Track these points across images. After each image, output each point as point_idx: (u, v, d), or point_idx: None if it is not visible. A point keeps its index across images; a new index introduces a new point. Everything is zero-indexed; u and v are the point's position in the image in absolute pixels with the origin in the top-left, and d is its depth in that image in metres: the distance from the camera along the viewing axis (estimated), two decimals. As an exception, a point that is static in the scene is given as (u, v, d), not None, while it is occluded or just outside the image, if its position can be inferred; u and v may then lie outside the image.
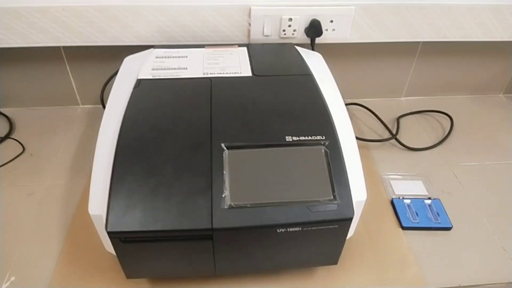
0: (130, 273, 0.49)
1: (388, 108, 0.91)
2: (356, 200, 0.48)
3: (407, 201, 0.67)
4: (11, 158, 0.75)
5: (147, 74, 0.61)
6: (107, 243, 0.49)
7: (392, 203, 0.67)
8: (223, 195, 0.45)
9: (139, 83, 0.58)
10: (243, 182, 0.46)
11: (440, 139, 0.82)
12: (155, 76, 0.60)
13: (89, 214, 0.46)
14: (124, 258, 0.47)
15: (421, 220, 0.64)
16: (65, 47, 0.80)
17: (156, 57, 0.66)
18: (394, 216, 0.66)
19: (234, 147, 0.48)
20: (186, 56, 0.67)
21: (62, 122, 0.85)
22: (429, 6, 0.77)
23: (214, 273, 0.50)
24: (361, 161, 0.75)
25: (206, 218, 0.43)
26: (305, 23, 0.76)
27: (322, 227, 0.46)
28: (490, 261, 0.59)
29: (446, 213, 0.65)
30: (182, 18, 0.74)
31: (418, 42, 0.85)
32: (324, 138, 0.50)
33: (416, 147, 0.80)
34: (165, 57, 0.66)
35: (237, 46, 0.72)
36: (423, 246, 0.61)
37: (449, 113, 0.89)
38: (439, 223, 0.64)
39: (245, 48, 0.70)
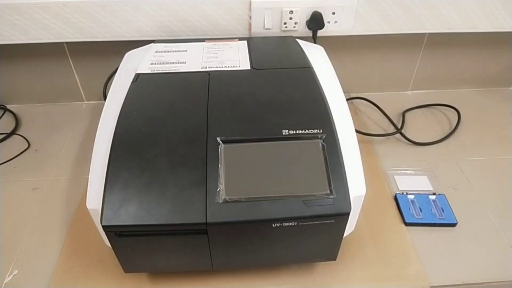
0: (128, 267, 0.49)
1: (394, 102, 0.90)
2: (354, 194, 0.47)
3: (411, 197, 0.66)
4: (16, 154, 0.76)
5: (145, 68, 0.61)
6: (106, 237, 0.49)
7: (395, 198, 0.66)
8: (217, 189, 0.44)
9: (137, 77, 0.58)
10: (239, 176, 0.45)
11: (447, 133, 0.80)
12: (154, 70, 0.60)
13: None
14: (121, 252, 0.47)
15: (425, 216, 0.63)
16: (68, 43, 0.80)
17: (156, 52, 0.66)
18: (397, 212, 0.64)
19: (230, 141, 0.48)
20: (186, 50, 0.66)
21: (67, 118, 0.85)
22: (435, -4, 0.75)
23: (211, 268, 0.50)
24: (365, 156, 0.75)
25: (201, 212, 0.43)
26: (306, 16, 0.75)
27: (318, 222, 0.45)
28: (495, 259, 0.57)
29: (451, 209, 0.64)
30: (182, 12, 0.74)
31: (424, 34, 0.83)
32: (321, 131, 0.49)
33: (422, 141, 0.78)
34: (165, 52, 0.66)
35: (237, 39, 0.71)
36: (427, 243, 0.60)
37: (456, 107, 0.87)
38: (444, 219, 0.62)
39: (245, 42, 0.70)
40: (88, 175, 0.70)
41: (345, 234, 0.53)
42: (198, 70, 0.60)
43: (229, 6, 0.73)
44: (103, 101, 0.83)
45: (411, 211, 0.64)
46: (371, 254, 0.58)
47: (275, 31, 0.77)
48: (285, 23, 0.75)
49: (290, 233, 0.46)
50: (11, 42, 0.76)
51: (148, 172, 0.45)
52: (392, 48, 0.85)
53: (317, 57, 0.66)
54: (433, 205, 0.64)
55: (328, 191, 0.45)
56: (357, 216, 0.53)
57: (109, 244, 0.49)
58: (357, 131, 0.77)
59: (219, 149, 0.47)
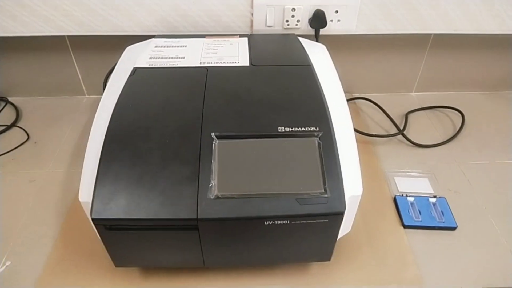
0: (119, 261, 0.49)
1: (398, 103, 0.89)
2: (350, 194, 0.46)
3: (411, 199, 0.64)
4: (15, 146, 0.76)
5: (143, 63, 0.60)
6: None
7: (394, 200, 0.65)
8: (210, 185, 0.44)
9: (135, 71, 0.58)
10: (232, 173, 0.45)
11: (450, 136, 0.79)
12: (152, 64, 0.60)
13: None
14: (111, 246, 0.46)
15: (424, 218, 0.61)
16: (70, 37, 0.80)
17: (155, 46, 0.65)
18: (396, 214, 0.63)
19: (225, 136, 0.47)
20: (185, 46, 0.66)
21: (67, 112, 0.85)
22: (440, -4, 0.74)
23: (203, 265, 0.49)
24: (365, 157, 0.74)
25: (192, 207, 0.42)
26: (309, 13, 0.74)
27: (311, 221, 0.44)
28: (495, 264, 0.56)
29: (451, 213, 0.62)
30: (184, 7, 0.73)
31: (429, 35, 0.82)
32: (318, 129, 0.48)
33: (424, 143, 0.77)
34: (164, 47, 0.65)
35: (238, 36, 0.70)
36: (425, 246, 0.59)
37: (461, 109, 0.85)
38: (443, 222, 0.61)
39: (245, 39, 0.69)
40: (84, 168, 0.71)
41: (341, 235, 0.52)
42: (197, 65, 0.59)
43: (231, 2, 0.73)
44: (103, 96, 0.82)
45: (410, 213, 0.62)
46: (367, 256, 0.57)
47: (277, 29, 0.76)
48: (287, 21, 0.74)
49: (283, 232, 0.45)
50: (12, 35, 0.76)
51: (140, 165, 0.45)
52: (396, 49, 0.84)
53: (318, 55, 0.65)
54: (433, 208, 0.63)
55: (323, 190, 0.44)
56: (354, 216, 0.52)
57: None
58: (358, 131, 0.76)
59: (213, 144, 0.46)
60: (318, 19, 0.73)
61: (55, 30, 0.76)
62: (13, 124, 0.81)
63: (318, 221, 0.44)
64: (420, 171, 0.71)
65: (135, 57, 0.62)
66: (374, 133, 0.78)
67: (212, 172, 0.44)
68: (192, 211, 0.42)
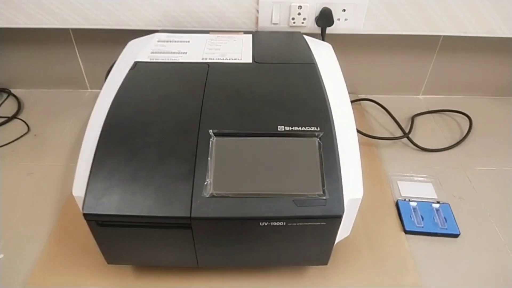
0: (111, 258, 0.48)
1: (404, 106, 0.87)
2: (349, 197, 0.44)
3: (413, 204, 0.63)
4: (15, 138, 0.75)
5: (144, 57, 0.59)
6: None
7: (397, 205, 0.63)
8: (205, 183, 0.43)
9: (135, 65, 0.57)
10: (228, 171, 0.43)
11: (457, 140, 0.77)
12: (153, 59, 0.59)
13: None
14: (102, 242, 0.45)
15: (426, 224, 0.60)
16: (74, 30, 0.80)
17: (158, 41, 0.65)
18: (398, 218, 0.62)
19: (222, 134, 0.46)
20: (188, 41, 0.65)
21: (69, 105, 0.85)
22: (450, -4, 0.72)
23: (196, 265, 0.48)
24: (369, 160, 0.72)
25: (185, 206, 0.41)
26: (315, 12, 0.72)
27: (308, 224, 0.43)
28: (498, 273, 0.54)
29: (455, 219, 0.61)
30: (188, 3, 0.72)
31: (439, 36, 0.80)
32: (319, 129, 0.47)
33: (430, 147, 0.75)
34: (167, 41, 0.64)
35: (242, 33, 0.69)
36: (426, 253, 0.57)
37: (469, 114, 0.83)
38: (446, 229, 0.59)
39: (250, 35, 0.68)
40: (81, 162, 0.70)
41: (340, 238, 0.51)
42: (198, 61, 0.58)
43: (236, -2, 0.72)
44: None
45: (412, 218, 0.61)
46: (366, 260, 0.55)
47: (283, 26, 0.75)
48: (293, 19, 0.73)
49: (279, 234, 0.44)
50: (16, 26, 0.75)
51: (135, 161, 0.44)
52: (404, 50, 0.82)
53: (323, 54, 0.64)
54: (436, 214, 0.61)
55: (321, 192, 0.43)
56: (353, 220, 0.50)
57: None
58: (362, 133, 0.75)
59: (211, 141, 0.45)
60: (324, 18, 0.72)
61: (60, 23, 0.75)
62: (14, 116, 0.81)
63: (315, 223, 0.43)
64: (424, 175, 0.70)
65: (137, 51, 0.61)
66: (379, 136, 0.76)
67: (208, 170, 0.43)
68: (185, 210, 0.41)
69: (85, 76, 0.87)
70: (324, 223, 0.43)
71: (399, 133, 0.79)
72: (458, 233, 0.59)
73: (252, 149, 0.45)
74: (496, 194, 0.66)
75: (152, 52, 0.61)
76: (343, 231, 0.50)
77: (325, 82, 0.55)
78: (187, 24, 0.75)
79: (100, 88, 0.89)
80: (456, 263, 0.56)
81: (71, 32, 0.80)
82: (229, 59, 0.59)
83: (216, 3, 0.72)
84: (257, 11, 0.73)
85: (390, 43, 0.81)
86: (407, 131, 0.78)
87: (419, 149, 0.75)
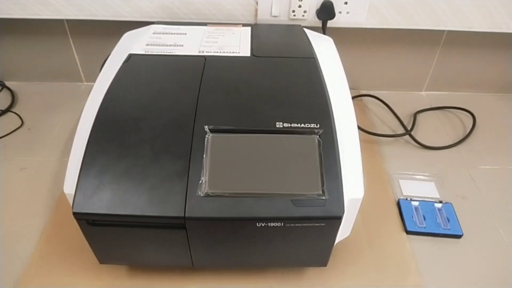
0: (103, 258, 0.46)
1: (406, 102, 0.85)
2: (349, 197, 0.43)
3: (415, 203, 0.61)
4: (8, 132, 0.73)
5: (139, 49, 0.57)
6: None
7: (398, 204, 0.62)
8: (200, 182, 0.41)
9: (129, 58, 0.55)
10: (224, 169, 0.42)
11: (460, 138, 0.75)
12: (148, 51, 0.57)
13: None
14: (93, 242, 0.44)
15: (428, 225, 0.58)
16: (68, 21, 0.78)
17: (154, 33, 0.63)
18: (399, 218, 0.60)
19: (218, 130, 0.44)
20: (185, 33, 0.63)
21: (64, 98, 0.83)
22: (455, -10, 0.70)
23: (191, 266, 0.47)
24: (369, 157, 0.71)
25: (179, 205, 0.40)
26: (316, 4, 0.70)
27: (307, 225, 0.41)
28: (502, 275, 0.53)
29: (458, 219, 0.59)
30: (186, -6, 0.70)
31: (442, 31, 0.78)
32: (318, 126, 0.45)
33: (432, 145, 0.73)
34: (163, 33, 0.62)
35: (241, 25, 0.67)
36: (428, 254, 0.55)
37: (472, 111, 0.81)
38: (448, 229, 0.58)
39: (249, 28, 0.66)
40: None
41: (339, 239, 0.49)
42: (195, 54, 0.56)
43: (235, -11, 0.69)
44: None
45: (414, 218, 0.59)
46: (367, 261, 0.54)
47: (283, 19, 0.73)
48: (293, 11, 0.71)
49: (276, 234, 0.42)
50: (9, 16, 0.73)
51: (128, 158, 0.42)
52: (407, 45, 0.80)
53: (324, 48, 0.62)
54: (438, 214, 0.60)
55: (320, 192, 0.41)
56: (354, 220, 0.49)
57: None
58: (363, 130, 0.73)
59: (206, 138, 0.44)
60: (326, 10, 0.70)
61: (54, 14, 0.73)
62: (8, 109, 0.79)
63: (314, 224, 0.41)
64: (426, 174, 0.68)
65: (132, 43, 0.59)
66: (380, 133, 0.75)
67: (203, 168, 0.42)
68: (179, 209, 0.39)
69: (80, 69, 0.85)
70: (324, 224, 0.41)
71: (401, 130, 0.77)
72: (461, 233, 0.58)
73: (249, 146, 0.43)
74: (500, 193, 0.65)
75: (147, 45, 0.59)
76: (343, 232, 0.48)
77: (325, 77, 0.53)
78: (184, 15, 0.73)
79: (95, 81, 0.87)
80: (459, 264, 0.54)
81: (65, 23, 0.78)
82: (227, 52, 0.57)
83: (215, -6, 0.70)
84: (256, 3, 0.71)
85: (393, 38, 0.79)
86: (409, 128, 0.77)
87: (421, 146, 0.74)
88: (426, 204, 0.61)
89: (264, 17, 0.72)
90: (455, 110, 0.84)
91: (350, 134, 0.48)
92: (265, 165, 0.42)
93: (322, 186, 0.41)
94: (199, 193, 0.40)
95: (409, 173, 0.68)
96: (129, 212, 0.39)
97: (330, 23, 0.72)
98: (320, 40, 0.64)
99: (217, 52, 0.57)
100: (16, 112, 0.78)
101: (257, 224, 0.41)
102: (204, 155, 0.42)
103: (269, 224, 0.41)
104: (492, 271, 0.54)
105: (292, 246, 0.44)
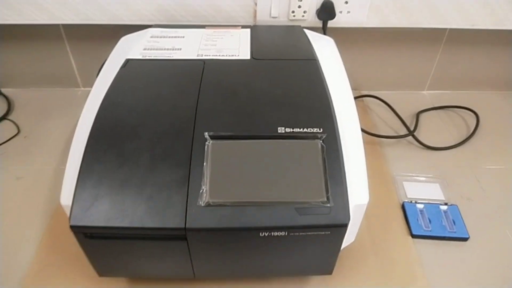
0: (102, 271, 0.45)
1: (408, 102, 0.84)
2: (354, 203, 0.42)
3: (420, 206, 0.60)
4: (4, 140, 0.72)
5: (137, 54, 0.56)
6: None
7: (402, 207, 0.61)
8: (200, 191, 0.40)
9: (127, 63, 0.54)
10: (225, 177, 0.40)
11: (464, 138, 0.74)
12: (145, 56, 0.55)
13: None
14: (92, 255, 0.42)
15: (434, 228, 0.57)
16: (64, 26, 0.76)
17: (151, 37, 0.61)
18: (404, 222, 0.59)
19: (219, 137, 0.43)
20: (183, 37, 0.61)
21: (61, 105, 0.82)
22: (458, -12, 0.69)
23: (193, 277, 0.45)
24: (372, 159, 0.69)
25: (180, 216, 0.38)
26: (316, 4, 0.69)
27: (312, 233, 0.40)
28: (510, 278, 0.52)
29: (464, 222, 0.58)
30: (183, -4, 0.69)
31: (445, 29, 0.77)
32: (321, 131, 0.44)
33: (436, 146, 0.72)
34: (160, 37, 0.61)
35: (240, 27, 0.66)
36: (435, 258, 0.54)
37: (476, 110, 0.80)
38: (455, 232, 0.57)
39: (248, 30, 0.64)
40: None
41: (344, 245, 0.48)
42: (193, 58, 0.55)
43: (233, -10, 0.68)
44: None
45: (419, 221, 0.58)
46: (372, 267, 0.53)
47: (282, 20, 0.71)
48: (293, 12, 0.70)
49: (280, 244, 0.41)
50: (4, 22, 0.72)
51: (126, 167, 0.41)
52: (409, 44, 0.79)
53: (325, 49, 0.60)
54: (444, 217, 0.59)
55: (325, 199, 0.40)
56: (358, 226, 0.47)
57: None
58: (365, 132, 0.72)
59: (206, 145, 0.42)
60: (326, 10, 0.69)
61: (49, 19, 0.72)
62: (4, 117, 0.77)
63: (319, 233, 0.40)
64: (430, 175, 0.67)
65: (129, 48, 0.58)
66: (383, 134, 0.73)
67: (204, 176, 0.40)
68: (180, 220, 0.38)
69: (77, 74, 0.84)
70: (329, 232, 0.40)
71: (403, 130, 0.76)
72: (468, 236, 0.56)
73: (251, 153, 0.42)
74: (506, 194, 0.64)
75: (144, 49, 0.57)
76: (348, 238, 0.47)
77: (327, 80, 0.52)
78: (182, 18, 0.71)
79: (92, 86, 0.86)
80: (466, 268, 0.53)
81: (61, 28, 0.77)
82: (226, 55, 0.56)
83: (212, -4, 0.69)
84: (255, 4, 0.70)
85: (394, 37, 0.78)
86: (412, 128, 0.76)
87: (425, 147, 0.72)
88: (431, 206, 0.60)
89: (263, 18, 0.71)
90: (458, 109, 0.83)
91: (353, 138, 0.47)
92: (267, 172, 0.41)
93: (327, 193, 0.40)
94: (200, 202, 0.39)
95: (413, 174, 0.67)
96: (128, 224, 0.38)
97: (331, 23, 0.71)
98: (321, 41, 0.63)
99: (216, 55, 0.56)
100: (12, 119, 0.77)
101: (260, 233, 0.39)
102: (204, 163, 0.41)
103: (272, 233, 0.39)
104: (500, 274, 0.52)
105: (296, 255, 0.43)
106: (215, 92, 0.48)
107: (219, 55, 0.56)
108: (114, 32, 0.75)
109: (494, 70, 0.84)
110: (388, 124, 0.78)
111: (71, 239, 0.54)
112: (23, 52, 0.80)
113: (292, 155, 0.42)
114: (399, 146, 0.73)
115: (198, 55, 0.56)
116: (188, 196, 0.39)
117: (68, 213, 0.43)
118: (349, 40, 0.77)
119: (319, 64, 0.55)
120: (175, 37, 0.62)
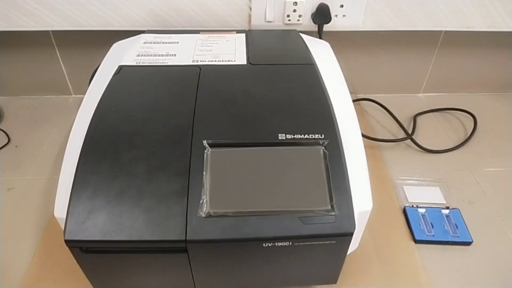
0: (99, 285, 0.43)
1: (405, 105, 0.83)
2: (359, 210, 0.41)
3: (422, 211, 0.59)
4: (-6, 150, 0.70)
5: (130, 60, 0.55)
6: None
7: (404, 212, 0.60)
8: (201, 201, 0.38)
9: (120, 70, 0.52)
10: (226, 187, 0.39)
11: (462, 140, 0.74)
12: (139, 62, 0.54)
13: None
14: (88, 270, 0.41)
15: (436, 232, 0.56)
16: (54, 33, 0.74)
17: (144, 43, 0.60)
18: (406, 227, 0.58)
19: (218, 145, 0.42)
20: (177, 42, 0.60)
21: (52, 113, 0.80)
22: (453, -10, 0.68)
23: (193, 289, 0.44)
24: (371, 164, 0.68)
25: (180, 228, 0.37)
26: (311, 8, 0.68)
27: (316, 243, 0.39)
28: (516, 284, 0.51)
29: (466, 226, 0.57)
30: (176, 1, 0.68)
31: (440, 32, 0.77)
32: (323, 137, 0.43)
33: (434, 149, 0.71)
34: (154, 43, 0.60)
35: (235, 32, 0.65)
36: (438, 263, 0.53)
37: (473, 112, 0.80)
38: (458, 237, 0.56)
39: (243, 35, 0.63)
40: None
41: (347, 253, 0.47)
42: (189, 63, 0.54)
43: (227, -5, 0.67)
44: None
45: (421, 226, 0.57)
46: (376, 274, 0.52)
47: (277, 24, 0.70)
48: (288, 16, 0.69)
49: (284, 254, 0.40)
50: (-8, 29, 0.70)
51: (122, 178, 0.39)
52: (404, 46, 0.79)
53: (322, 53, 0.60)
54: (446, 221, 0.58)
55: (329, 207, 0.39)
56: (362, 233, 0.46)
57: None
58: (363, 136, 0.71)
59: (205, 154, 0.41)
60: (321, 14, 0.68)
61: (39, 25, 0.70)
62: (-7, 126, 0.75)
63: (324, 242, 0.39)
64: (430, 179, 0.66)
65: (122, 54, 0.57)
66: (381, 138, 0.73)
67: (204, 186, 0.39)
68: (180, 232, 0.37)
69: (68, 81, 0.82)
70: (334, 241, 0.39)
71: (401, 134, 0.75)
72: (471, 240, 0.56)
73: (251, 161, 0.41)
74: (507, 197, 0.63)
75: (138, 55, 0.56)
76: (352, 245, 0.46)
77: (326, 84, 0.51)
78: (176, 23, 0.70)
79: (84, 93, 0.84)
80: (470, 273, 0.52)
81: (51, 35, 0.75)
82: (222, 61, 0.55)
83: (207, 0, 0.68)
84: (250, 9, 0.69)
85: (390, 40, 0.77)
86: (410, 131, 0.75)
87: (423, 150, 0.72)
88: (433, 210, 0.59)
89: (258, 22, 0.70)
90: (455, 111, 0.82)
91: (354, 143, 0.46)
92: (269, 181, 0.40)
93: (331, 201, 0.39)
94: (200, 213, 0.38)
95: (413, 178, 0.66)
96: (126, 238, 0.37)
97: (326, 27, 0.70)
98: (317, 45, 0.62)
99: (212, 61, 0.55)
100: (2, 128, 0.75)
101: (264, 244, 0.38)
102: (203, 172, 0.40)
103: (276, 244, 0.38)
104: (504, 278, 0.52)
105: (301, 265, 0.42)
106: (213, 98, 0.47)
107: (215, 61, 0.55)
108: (105, 38, 0.74)
109: (489, 72, 0.84)
110: (386, 128, 0.77)
111: (66, 252, 0.52)
112: (13, 59, 0.78)
113: (294, 162, 0.41)
114: (398, 149, 0.72)
115: (193, 61, 0.55)
116: (188, 207, 0.38)
117: (62, 225, 0.41)
118: (345, 43, 0.77)
119: (317, 68, 0.54)
120: (169, 42, 0.60)
